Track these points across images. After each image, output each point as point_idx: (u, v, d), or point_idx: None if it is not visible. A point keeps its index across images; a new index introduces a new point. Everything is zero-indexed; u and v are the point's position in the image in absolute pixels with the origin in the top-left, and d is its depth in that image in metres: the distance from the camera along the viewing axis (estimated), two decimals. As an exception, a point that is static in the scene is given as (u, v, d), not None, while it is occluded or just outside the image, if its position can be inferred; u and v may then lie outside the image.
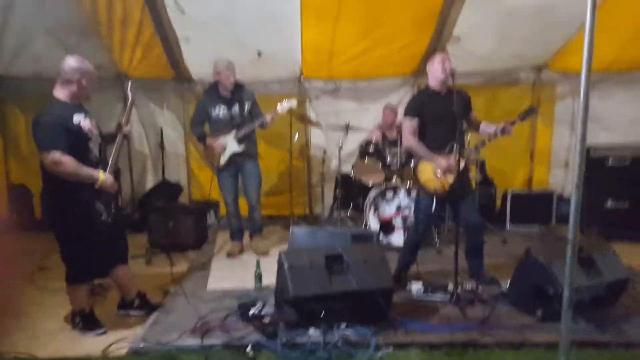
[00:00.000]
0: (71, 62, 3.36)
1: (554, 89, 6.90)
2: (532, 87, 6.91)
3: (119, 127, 3.69)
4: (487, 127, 4.27)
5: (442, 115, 4.08)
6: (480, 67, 6.47)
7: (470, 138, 4.98)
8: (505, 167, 7.01)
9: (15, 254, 5.60)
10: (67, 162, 3.24)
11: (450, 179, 4.10)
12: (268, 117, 5.13)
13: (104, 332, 3.53)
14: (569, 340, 2.78)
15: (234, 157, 5.26)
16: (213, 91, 5.28)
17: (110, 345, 3.27)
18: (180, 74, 6.77)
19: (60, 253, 3.50)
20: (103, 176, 3.37)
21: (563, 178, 6.97)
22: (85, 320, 3.56)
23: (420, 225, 4.40)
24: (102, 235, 3.46)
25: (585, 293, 3.35)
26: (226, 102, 5.22)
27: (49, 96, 3.39)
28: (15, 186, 6.85)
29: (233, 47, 5.76)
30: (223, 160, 5.27)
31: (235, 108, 5.22)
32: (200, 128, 5.39)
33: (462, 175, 4.09)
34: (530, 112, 4.06)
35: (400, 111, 5.47)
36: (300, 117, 6.24)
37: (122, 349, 3.22)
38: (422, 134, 4.23)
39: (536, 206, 6.54)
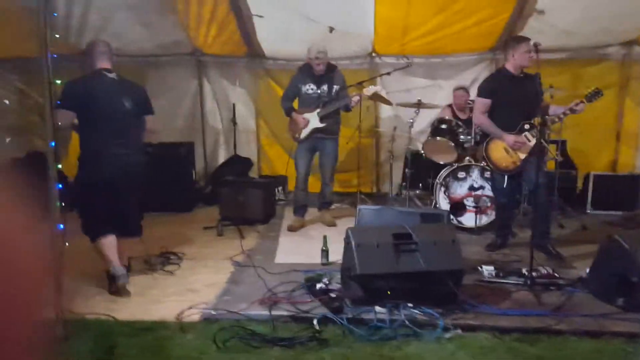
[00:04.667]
0: None
1: (645, 66, 6.41)
2: (621, 64, 6.45)
3: None
4: (557, 109, 4.32)
5: (515, 98, 4.20)
6: (564, 42, 6.09)
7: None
8: (588, 148, 6.62)
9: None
10: None
11: (522, 155, 4.22)
12: (355, 99, 5.24)
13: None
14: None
15: (314, 132, 5.42)
16: (306, 69, 5.46)
17: (184, 311, 3.38)
18: (252, 50, 6.83)
19: (131, 211, 3.89)
20: None
21: (652, 161, 6.49)
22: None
23: (500, 204, 4.57)
24: None
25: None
26: (316, 80, 5.40)
27: (128, 71, 3.54)
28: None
29: (305, 23, 5.75)
30: (304, 134, 5.45)
31: (324, 87, 5.40)
32: (289, 103, 5.58)
33: (534, 153, 4.08)
34: (596, 94, 4.13)
35: (473, 91, 5.38)
36: (371, 94, 6.14)
37: (195, 315, 3.34)
38: (492, 114, 4.34)
39: (620, 190, 6.12)
